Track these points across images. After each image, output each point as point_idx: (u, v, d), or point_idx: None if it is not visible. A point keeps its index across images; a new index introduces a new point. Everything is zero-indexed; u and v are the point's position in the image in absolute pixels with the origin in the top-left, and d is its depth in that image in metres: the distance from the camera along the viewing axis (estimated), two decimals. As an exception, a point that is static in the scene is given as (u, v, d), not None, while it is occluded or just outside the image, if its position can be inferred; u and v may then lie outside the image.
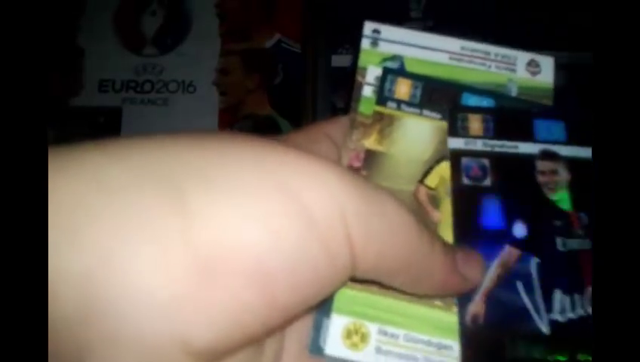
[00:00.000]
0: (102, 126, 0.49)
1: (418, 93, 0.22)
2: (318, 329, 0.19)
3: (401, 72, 0.22)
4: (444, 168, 0.21)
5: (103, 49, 0.52)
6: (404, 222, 0.16)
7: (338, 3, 0.51)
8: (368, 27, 0.23)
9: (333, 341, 0.19)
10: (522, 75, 0.23)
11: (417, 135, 0.22)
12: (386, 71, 0.22)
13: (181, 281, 0.13)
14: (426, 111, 0.22)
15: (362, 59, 0.23)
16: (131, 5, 0.53)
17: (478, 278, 0.19)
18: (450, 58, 0.23)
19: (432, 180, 0.21)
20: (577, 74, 0.47)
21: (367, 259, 0.15)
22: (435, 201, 0.21)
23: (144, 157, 0.13)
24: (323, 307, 0.19)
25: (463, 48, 0.23)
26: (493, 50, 0.23)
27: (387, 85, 0.22)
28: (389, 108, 0.22)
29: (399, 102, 0.22)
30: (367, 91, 0.22)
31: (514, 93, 0.23)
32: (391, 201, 0.16)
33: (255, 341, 0.15)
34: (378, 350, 0.19)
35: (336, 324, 0.19)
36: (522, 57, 0.24)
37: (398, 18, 0.50)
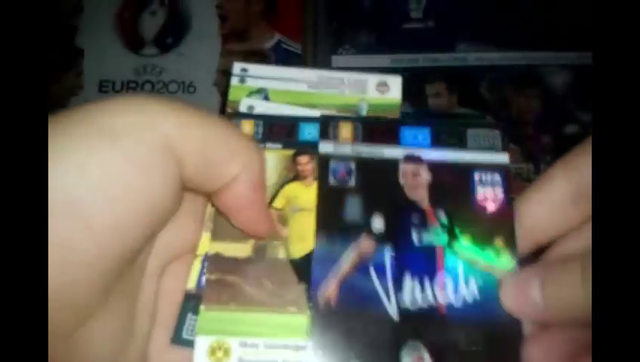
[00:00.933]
0: (102, 126, 0.49)
1: (260, 130, 0.25)
2: (181, 322, 0.22)
3: (245, 114, 0.25)
4: (289, 190, 0.24)
5: (103, 49, 0.52)
6: (218, 124, 0.20)
7: (338, 3, 0.51)
8: (237, 67, 0.27)
9: (200, 359, 0.21)
10: (373, 94, 0.26)
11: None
12: (233, 115, 0.26)
13: None
14: (269, 144, 0.25)
15: (232, 94, 0.26)
16: (131, 5, 0.53)
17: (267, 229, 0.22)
18: (309, 86, 0.26)
19: (278, 202, 0.24)
20: (578, 74, 0.47)
21: (192, 162, 0.19)
22: (283, 220, 0.24)
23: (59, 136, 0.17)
24: (186, 302, 0.22)
25: (319, 77, 0.27)
26: (347, 76, 0.27)
27: None
28: None
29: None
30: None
31: (364, 111, 0.26)
32: (206, 114, 0.20)
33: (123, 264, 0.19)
34: (241, 361, 0.21)
35: (201, 344, 0.21)
36: (372, 79, 0.27)
37: (398, 18, 0.50)
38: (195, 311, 0.22)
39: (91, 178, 0.17)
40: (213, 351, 0.21)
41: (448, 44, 0.49)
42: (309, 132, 0.25)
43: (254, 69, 0.27)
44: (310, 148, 0.24)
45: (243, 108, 0.25)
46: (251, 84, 0.27)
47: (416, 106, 0.48)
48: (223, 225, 0.23)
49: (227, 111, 0.26)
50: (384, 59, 0.49)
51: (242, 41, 0.52)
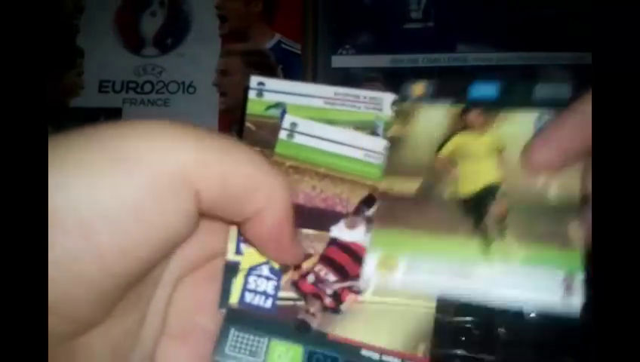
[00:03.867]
0: (102, 126, 0.49)
1: (430, 89, 0.27)
2: (223, 336, 0.22)
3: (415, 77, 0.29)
4: (457, 139, 0.25)
5: (103, 49, 0.52)
6: (240, 155, 0.19)
7: (338, 3, 0.51)
8: (254, 80, 0.27)
9: (369, 270, 0.23)
10: (388, 112, 0.27)
11: (432, 119, 0.26)
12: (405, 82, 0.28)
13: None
14: (438, 102, 0.26)
15: (250, 107, 0.27)
16: (131, 5, 0.53)
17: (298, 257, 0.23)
18: (325, 102, 0.27)
19: (446, 150, 0.25)
20: (578, 74, 0.47)
21: (210, 196, 0.18)
22: (452, 163, 0.25)
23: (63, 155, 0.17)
24: (229, 319, 0.22)
25: (335, 93, 0.27)
26: (363, 93, 0.27)
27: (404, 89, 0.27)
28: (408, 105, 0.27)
29: (416, 99, 0.27)
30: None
31: (381, 130, 0.26)
32: (228, 143, 0.19)
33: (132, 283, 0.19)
34: (406, 275, 0.23)
35: (371, 257, 0.23)
36: (388, 98, 0.27)
37: (398, 18, 0.50)
38: (239, 328, 0.22)
39: (103, 203, 0.16)
40: (382, 264, 0.23)
41: (448, 44, 0.49)
42: (478, 90, 0.27)
43: (271, 83, 0.27)
44: (480, 104, 0.26)
45: (286, 125, 0.26)
46: (269, 98, 0.27)
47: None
48: (393, 162, 0.25)
49: (247, 126, 0.26)
50: (384, 60, 0.49)
51: (242, 41, 0.52)
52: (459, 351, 0.45)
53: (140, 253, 0.17)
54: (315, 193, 0.25)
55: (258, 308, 0.23)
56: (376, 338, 0.23)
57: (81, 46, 0.52)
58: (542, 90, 0.25)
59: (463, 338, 0.45)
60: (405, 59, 0.49)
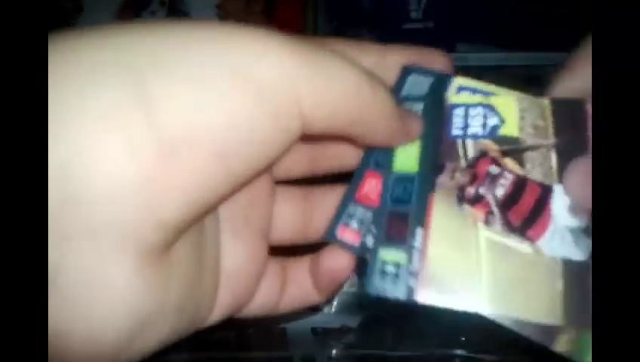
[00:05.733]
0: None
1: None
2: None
3: None
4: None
5: (103, 49, 0.52)
6: (348, 79, 0.17)
7: (338, 3, 0.51)
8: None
9: None
10: None
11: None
12: None
13: (148, 164, 0.14)
14: None
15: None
16: (131, 5, 0.53)
17: (417, 131, 0.22)
18: None
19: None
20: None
21: (318, 119, 0.17)
22: None
23: (109, 47, 0.15)
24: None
25: None
26: None
27: None
28: None
29: None
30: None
31: None
32: (336, 62, 0.17)
33: (213, 210, 0.19)
34: None
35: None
36: None
37: (398, 18, 0.50)
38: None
39: (209, 117, 0.15)
40: None
41: (448, 44, 0.49)
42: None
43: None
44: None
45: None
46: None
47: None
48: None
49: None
50: (384, 60, 0.49)
51: (242, 41, 0.52)
52: (459, 351, 0.45)
53: (240, 170, 0.16)
54: None
55: None
56: None
57: (81, 46, 0.52)
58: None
59: (463, 339, 0.45)
60: (405, 59, 0.49)
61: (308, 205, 0.24)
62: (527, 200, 0.21)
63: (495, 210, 0.21)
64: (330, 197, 0.24)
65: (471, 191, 0.22)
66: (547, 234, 0.21)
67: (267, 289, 0.23)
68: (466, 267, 0.20)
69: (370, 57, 0.23)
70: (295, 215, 0.24)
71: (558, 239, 0.21)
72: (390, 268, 0.21)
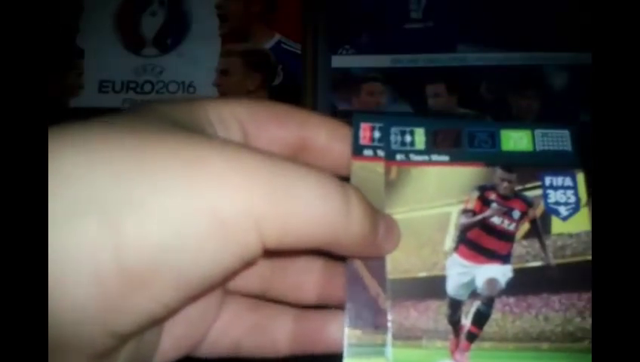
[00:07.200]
0: (102, 126, 0.49)
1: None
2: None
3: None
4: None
5: (103, 49, 0.52)
6: (316, 206, 0.18)
7: (338, 3, 0.51)
8: None
9: None
10: None
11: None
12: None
13: (109, 286, 0.15)
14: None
15: None
16: (131, 5, 0.53)
17: (393, 248, 0.22)
18: None
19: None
20: (578, 74, 0.47)
21: (285, 244, 0.18)
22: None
23: (86, 185, 0.16)
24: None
25: None
26: None
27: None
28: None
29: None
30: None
31: None
32: (304, 188, 0.18)
33: (164, 321, 0.20)
34: None
35: None
36: None
37: (398, 18, 0.50)
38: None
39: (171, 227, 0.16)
40: None
41: (448, 44, 0.49)
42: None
43: None
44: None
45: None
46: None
47: (416, 107, 0.48)
48: None
49: None
50: (384, 60, 0.49)
51: (242, 41, 0.52)
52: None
53: (193, 287, 0.17)
54: None
55: None
56: None
57: (81, 46, 0.52)
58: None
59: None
60: (405, 59, 0.49)
61: (257, 316, 0.24)
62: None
63: None
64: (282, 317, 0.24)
65: None
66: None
67: (219, 331, 0.23)
68: None
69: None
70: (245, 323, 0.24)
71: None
72: None
